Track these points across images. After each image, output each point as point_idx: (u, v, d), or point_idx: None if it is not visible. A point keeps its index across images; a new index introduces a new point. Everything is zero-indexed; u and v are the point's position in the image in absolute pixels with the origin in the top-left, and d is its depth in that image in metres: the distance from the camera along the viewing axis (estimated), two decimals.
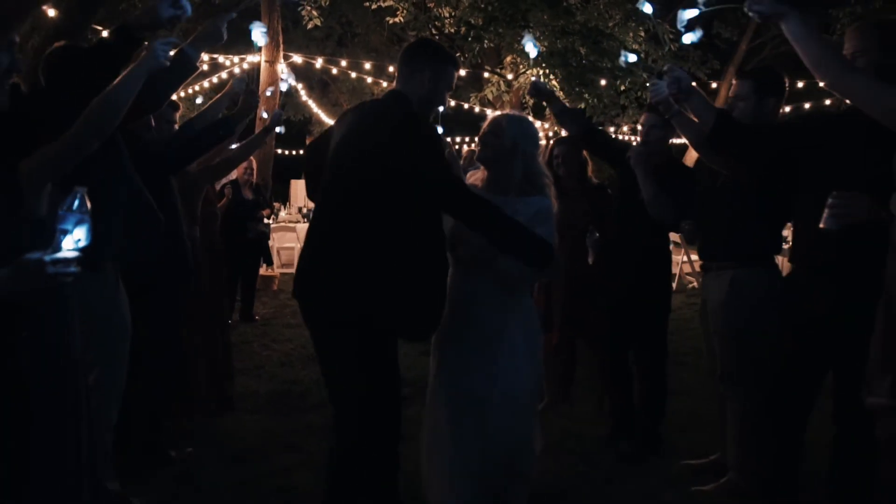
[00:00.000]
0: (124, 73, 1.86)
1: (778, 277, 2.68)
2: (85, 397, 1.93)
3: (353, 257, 1.97)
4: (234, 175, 5.81)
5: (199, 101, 9.31)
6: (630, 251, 3.12)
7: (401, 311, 1.99)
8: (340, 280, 1.98)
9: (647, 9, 2.89)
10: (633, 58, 3.34)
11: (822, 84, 2.02)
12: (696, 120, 2.54)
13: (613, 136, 9.92)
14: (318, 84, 14.75)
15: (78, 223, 1.39)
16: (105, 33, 7.41)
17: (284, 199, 13.70)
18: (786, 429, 2.40)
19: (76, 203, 1.40)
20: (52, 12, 5.77)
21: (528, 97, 3.30)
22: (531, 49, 3.28)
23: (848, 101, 2.08)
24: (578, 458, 3.10)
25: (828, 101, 8.17)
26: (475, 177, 2.37)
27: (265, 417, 3.55)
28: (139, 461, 2.79)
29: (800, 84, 7.41)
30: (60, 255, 1.36)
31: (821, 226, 2.01)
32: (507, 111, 2.45)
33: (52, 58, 2.21)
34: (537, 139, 2.32)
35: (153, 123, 2.75)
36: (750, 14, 2.03)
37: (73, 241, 1.38)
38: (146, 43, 2.02)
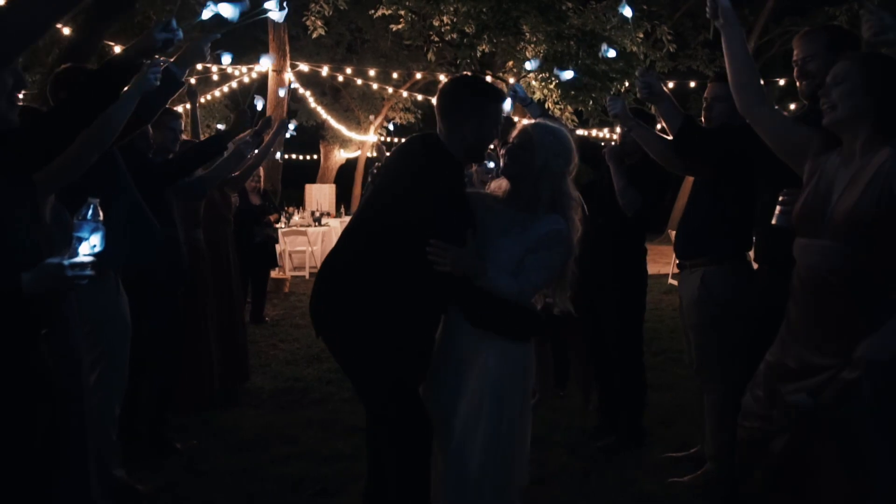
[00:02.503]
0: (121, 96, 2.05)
1: (747, 274, 2.78)
2: (88, 396, 2.11)
3: (356, 305, 1.92)
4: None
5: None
6: (605, 249, 3.24)
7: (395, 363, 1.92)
8: (344, 325, 1.94)
9: (627, 12, 2.96)
10: (612, 53, 3.47)
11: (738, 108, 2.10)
12: (653, 132, 2.69)
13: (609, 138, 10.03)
14: (330, 90, 15.01)
15: (93, 231, 1.56)
16: (118, 49, 7.69)
17: (299, 203, 13.93)
18: None
19: (90, 212, 1.57)
20: (66, 30, 6.05)
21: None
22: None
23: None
24: (563, 449, 3.23)
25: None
26: (497, 185, 2.15)
27: (268, 412, 3.73)
28: (146, 451, 2.98)
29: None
30: (78, 259, 1.52)
31: (773, 223, 2.14)
32: (539, 120, 2.16)
33: (59, 78, 2.41)
34: (570, 155, 2.05)
35: (150, 132, 2.94)
36: (708, 4, 2.06)
37: (90, 246, 1.55)
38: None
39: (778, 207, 2.10)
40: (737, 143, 2.51)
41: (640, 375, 3.32)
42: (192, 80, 10.01)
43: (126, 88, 2.07)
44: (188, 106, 3.34)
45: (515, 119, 4.71)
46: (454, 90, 2.03)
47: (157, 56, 1.98)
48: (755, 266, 2.72)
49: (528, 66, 3.30)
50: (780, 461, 1.80)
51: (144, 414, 2.99)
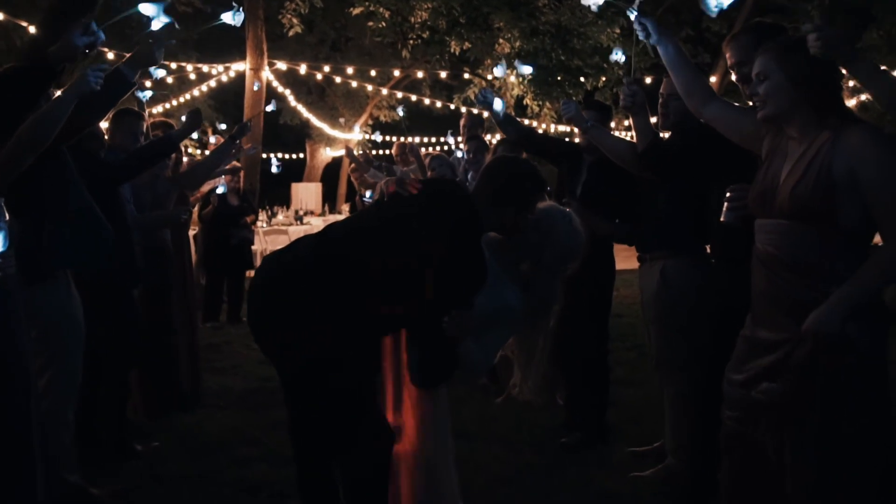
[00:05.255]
0: (56, 98, 2.03)
1: (706, 267, 2.78)
2: (35, 398, 2.07)
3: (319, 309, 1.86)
4: (220, 181, 6.00)
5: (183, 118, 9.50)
6: None
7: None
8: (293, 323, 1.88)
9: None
10: (622, 57, 3.46)
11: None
12: (609, 133, 2.73)
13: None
14: (315, 88, 14.95)
15: None
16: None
17: (284, 201, 13.88)
18: (713, 414, 2.50)
19: None
20: (32, 28, 6.00)
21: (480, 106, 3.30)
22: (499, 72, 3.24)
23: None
24: (528, 447, 3.22)
25: None
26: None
27: (234, 413, 3.71)
28: (105, 455, 2.95)
29: None
30: None
31: (721, 220, 2.14)
32: (565, 210, 2.18)
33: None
34: (575, 260, 2.13)
35: (102, 132, 2.92)
36: (636, 27, 2.16)
37: None
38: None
39: (725, 204, 2.11)
40: (697, 163, 2.58)
41: (604, 372, 3.32)
42: (169, 80, 9.99)
43: (63, 91, 2.05)
44: (197, 94, 3.40)
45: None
46: (509, 176, 2.04)
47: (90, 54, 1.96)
48: (713, 261, 2.73)
49: (497, 71, 3.33)
50: (756, 451, 1.82)
51: (103, 417, 2.95)
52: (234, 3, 2.56)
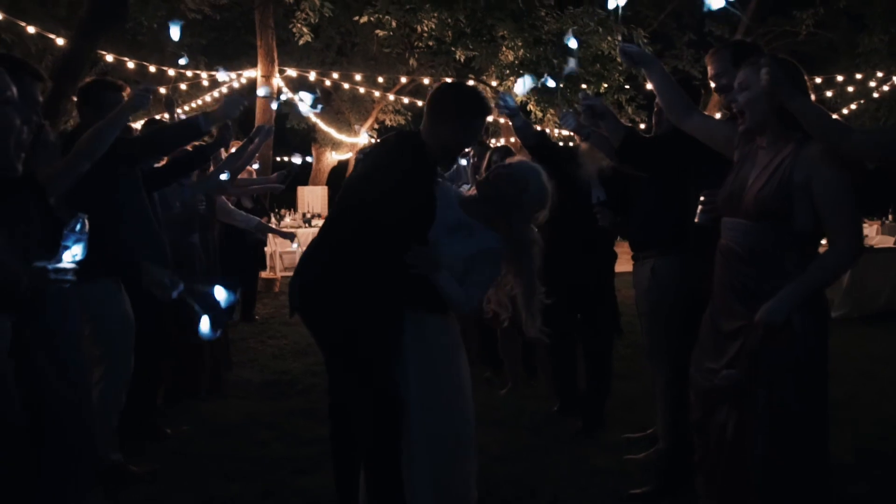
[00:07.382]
0: (113, 113, 2.31)
1: (693, 264, 2.99)
2: (90, 388, 2.31)
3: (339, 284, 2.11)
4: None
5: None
6: (572, 241, 3.44)
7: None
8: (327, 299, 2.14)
9: (573, 43, 3.22)
10: (573, 43, 3.69)
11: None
12: (607, 139, 2.96)
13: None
14: (322, 93, 15.21)
15: (76, 241, 1.78)
16: (109, 58, 7.87)
17: (290, 204, 14.09)
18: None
19: (78, 226, 1.79)
20: (60, 40, 6.28)
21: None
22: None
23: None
24: (527, 430, 3.46)
25: None
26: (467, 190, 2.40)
27: (253, 402, 3.96)
28: (139, 437, 3.20)
29: None
30: (60, 265, 1.75)
31: (696, 221, 2.38)
32: (534, 164, 2.38)
33: (83, 93, 2.77)
34: (546, 206, 2.33)
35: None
36: (621, 57, 2.40)
37: (72, 255, 1.77)
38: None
39: (700, 206, 2.35)
40: (672, 152, 2.77)
41: (608, 365, 3.54)
42: (183, 86, 10.26)
43: (117, 109, 2.34)
44: (167, 116, 3.61)
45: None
46: (445, 96, 2.22)
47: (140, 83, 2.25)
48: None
49: (518, 90, 3.55)
50: (721, 432, 2.03)
51: (134, 405, 3.19)
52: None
